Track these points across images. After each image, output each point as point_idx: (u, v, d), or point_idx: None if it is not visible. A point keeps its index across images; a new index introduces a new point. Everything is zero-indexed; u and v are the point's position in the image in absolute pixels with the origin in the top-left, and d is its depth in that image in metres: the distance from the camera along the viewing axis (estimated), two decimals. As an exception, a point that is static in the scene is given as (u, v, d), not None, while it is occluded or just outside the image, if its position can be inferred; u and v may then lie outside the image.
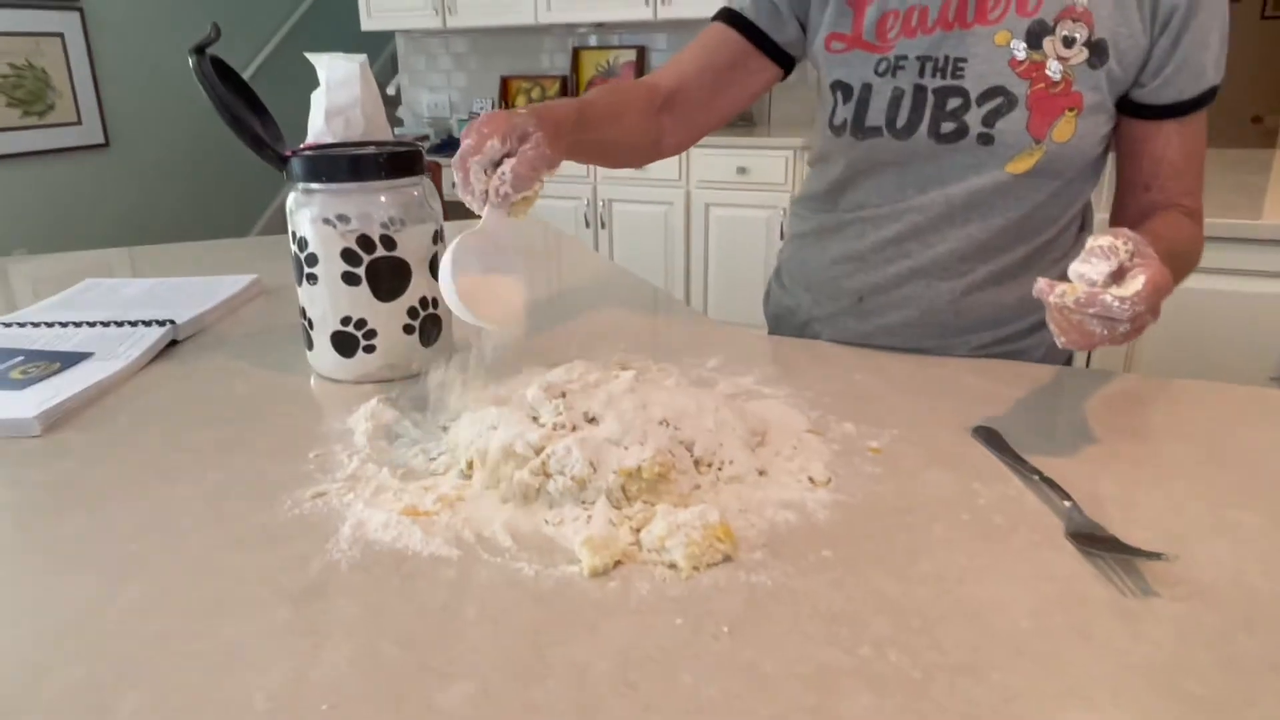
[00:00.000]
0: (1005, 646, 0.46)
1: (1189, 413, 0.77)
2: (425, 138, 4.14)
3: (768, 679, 0.44)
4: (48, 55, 3.75)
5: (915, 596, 0.50)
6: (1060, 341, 0.65)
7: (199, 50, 0.78)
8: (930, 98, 0.86)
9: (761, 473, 0.64)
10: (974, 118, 0.85)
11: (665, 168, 3.31)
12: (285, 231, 0.86)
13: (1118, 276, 0.62)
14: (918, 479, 0.64)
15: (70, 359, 0.88)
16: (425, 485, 0.63)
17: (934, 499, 0.61)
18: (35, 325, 0.99)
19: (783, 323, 1.09)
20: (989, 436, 0.70)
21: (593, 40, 4.00)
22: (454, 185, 0.72)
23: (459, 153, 0.72)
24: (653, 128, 0.97)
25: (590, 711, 0.42)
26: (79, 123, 3.89)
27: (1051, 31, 0.82)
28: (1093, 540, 0.54)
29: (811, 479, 0.63)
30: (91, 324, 0.98)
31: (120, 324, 0.98)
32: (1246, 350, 1.57)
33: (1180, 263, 0.83)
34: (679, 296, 3.45)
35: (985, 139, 0.85)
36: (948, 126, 0.86)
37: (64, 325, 0.98)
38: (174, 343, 0.97)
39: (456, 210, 0.89)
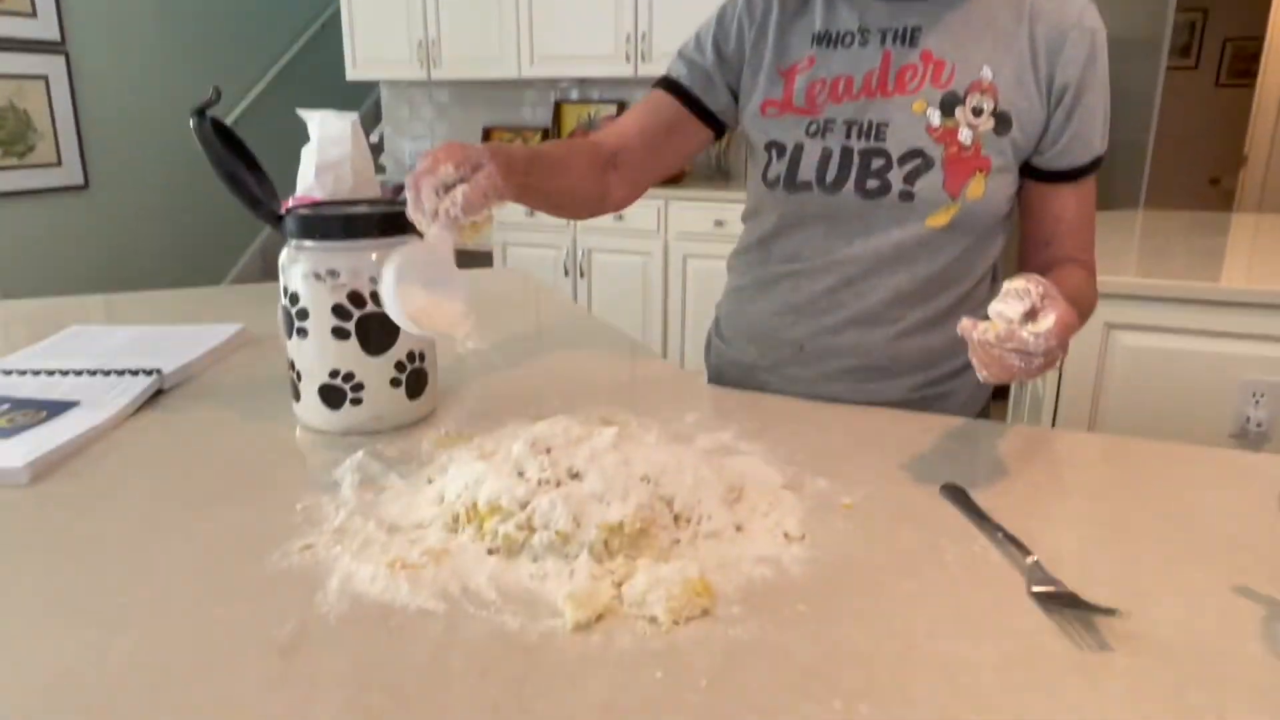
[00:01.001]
0: (971, 701, 0.48)
1: (1148, 473, 0.80)
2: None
3: (745, 731, 0.46)
4: (30, 98, 3.77)
5: (885, 651, 0.52)
6: (982, 376, 0.71)
7: (200, 112, 0.80)
8: (856, 158, 0.94)
9: (738, 528, 0.66)
10: (895, 176, 0.92)
11: (644, 218, 3.38)
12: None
13: (1030, 316, 0.70)
14: (888, 535, 0.67)
15: (57, 407, 0.89)
16: (412, 538, 0.64)
17: (903, 556, 0.64)
18: (21, 373, 1.00)
19: (726, 375, 1.13)
20: (955, 494, 0.73)
21: (574, 94, 4.09)
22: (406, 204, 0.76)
23: (413, 173, 0.76)
24: (598, 182, 1.03)
25: (574, 763, 0.44)
26: (59, 164, 3.90)
27: (962, 102, 0.90)
28: (1052, 597, 0.57)
29: (787, 535, 0.66)
30: (78, 373, 0.99)
31: (107, 373, 0.99)
32: (1205, 408, 1.63)
33: (1079, 309, 0.91)
34: (656, 344, 3.49)
35: (906, 196, 0.93)
36: (872, 184, 0.93)
37: (50, 374, 0.99)
38: (160, 392, 0.98)
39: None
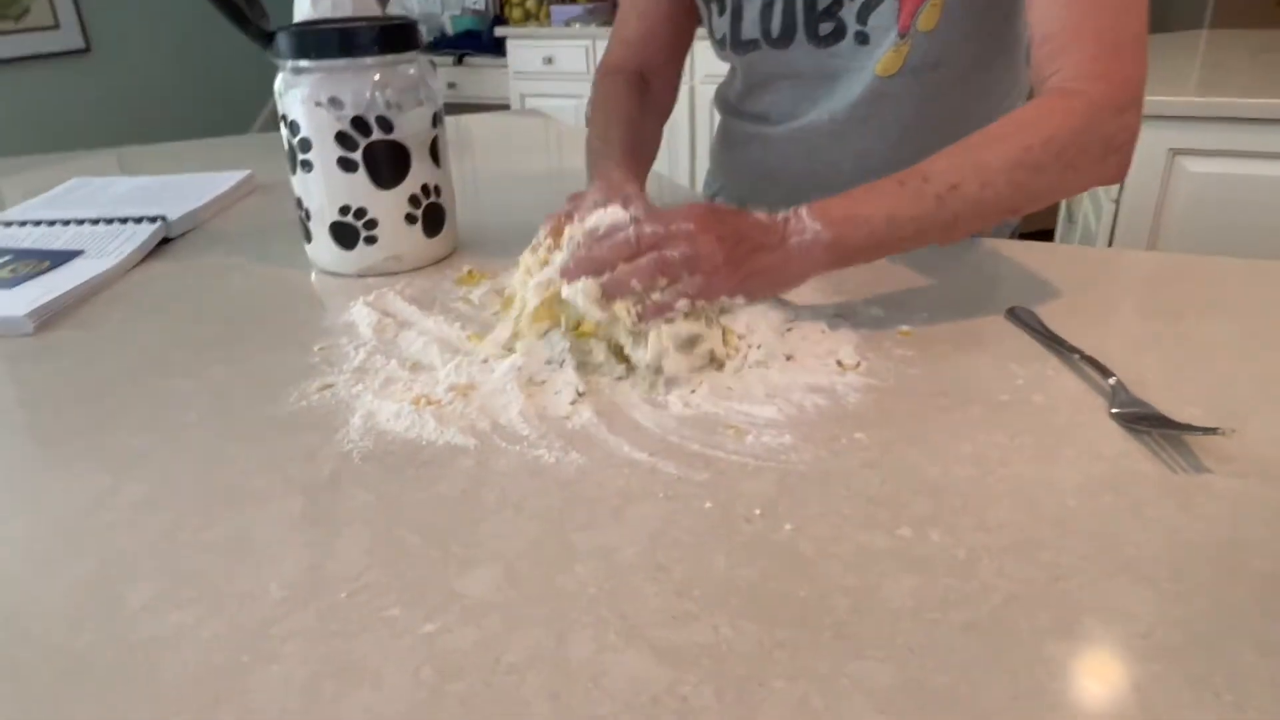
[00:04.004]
0: (1053, 525, 0.44)
1: (1228, 291, 0.73)
2: (417, 36, 3.97)
3: (804, 560, 0.42)
4: (17, -47, 3.56)
5: (955, 477, 0.48)
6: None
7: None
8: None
9: (789, 358, 0.61)
10: (849, 14, 0.77)
11: (667, 62, 3.19)
12: (277, 130, 0.81)
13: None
14: (952, 361, 0.61)
15: (60, 257, 0.85)
16: (436, 376, 0.60)
17: (970, 380, 0.58)
18: (22, 224, 0.95)
19: None
20: (1024, 317, 0.66)
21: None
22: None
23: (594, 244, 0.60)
24: (655, 114, 0.92)
25: (621, 594, 0.40)
26: (56, 27, 3.73)
27: None
28: (1139, 418, 0.52)
29: (840, 363, 0.61)
30: (80, 222, 0.94)
31: (110, 221, 0.93)
32: (1277, 239, 1.52)
33: (999, 178, 0.61)
34: (683, 198, 3.37)
35: (861, 38, 0.78)
36: (825, 27, 0.79)
37: (52, 224, 0.94)
38: (166, 240, 0.93)
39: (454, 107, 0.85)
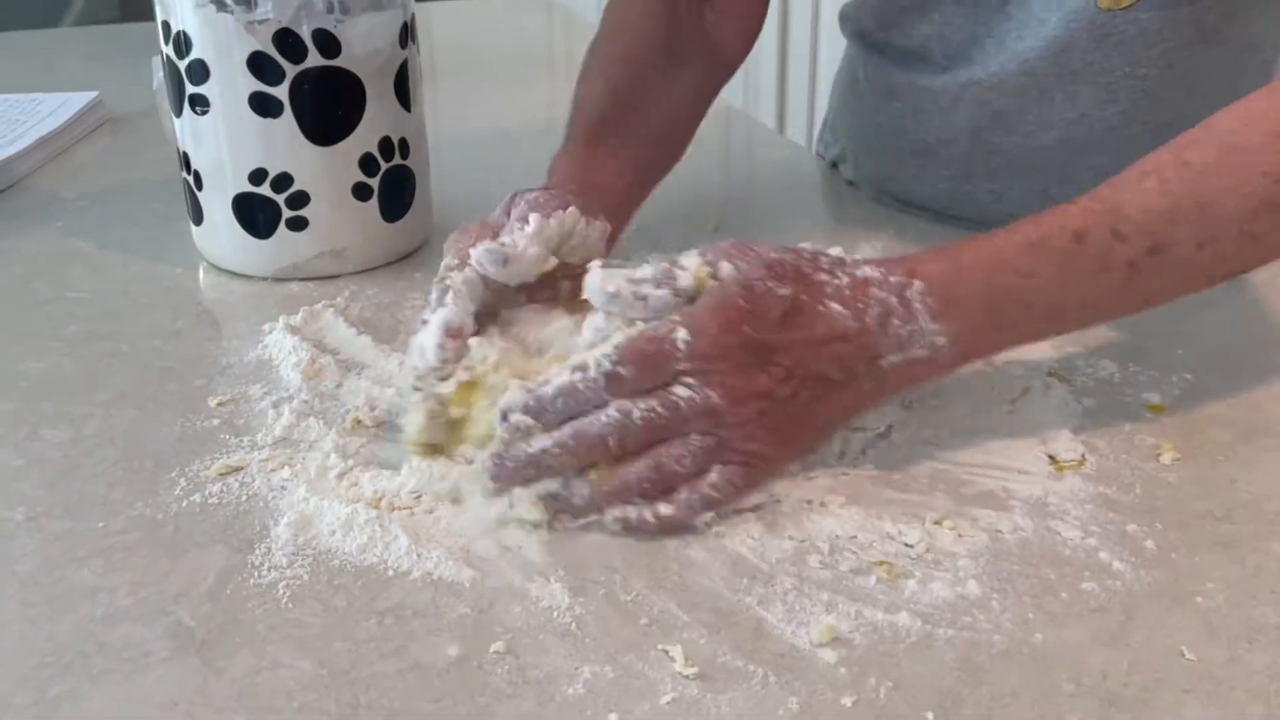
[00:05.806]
0: None
1: None
2: None
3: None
4: None
5: (1250, 667, 0.48)
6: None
7: None
8: None
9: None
10: None
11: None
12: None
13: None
14: (1237, 459, 0.62)
15: None
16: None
17: (1274, 495, 0.59)
18: None
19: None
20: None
21: None
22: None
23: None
24: (697, 66, 0.89)
25: None
26: None
27: None
28: None
29: (1053, 458, 0.62)
30: None
31: None
32: None
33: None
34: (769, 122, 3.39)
35: None
36: None
37: None
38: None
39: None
